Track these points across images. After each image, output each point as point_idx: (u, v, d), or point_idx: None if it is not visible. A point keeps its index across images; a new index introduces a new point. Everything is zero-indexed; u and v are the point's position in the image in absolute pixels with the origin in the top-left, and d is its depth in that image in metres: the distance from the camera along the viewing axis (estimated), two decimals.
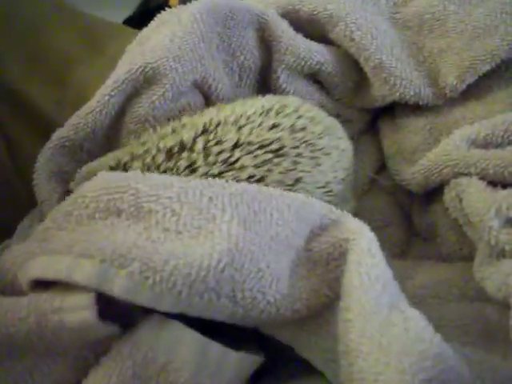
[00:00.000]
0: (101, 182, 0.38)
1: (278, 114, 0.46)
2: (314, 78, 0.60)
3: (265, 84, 0.59)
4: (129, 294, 0.31)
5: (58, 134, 0.52)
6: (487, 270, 0.41)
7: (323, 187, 0.45)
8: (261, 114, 0.45)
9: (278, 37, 0.56)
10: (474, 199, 0.45)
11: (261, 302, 0.33)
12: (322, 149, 0.46)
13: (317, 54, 0.57)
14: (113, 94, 0.51)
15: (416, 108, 0.58)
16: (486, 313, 0.40)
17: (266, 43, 0.58)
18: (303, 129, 0.45)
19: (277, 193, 0.37)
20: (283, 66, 0.57)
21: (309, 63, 0.57)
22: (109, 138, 0.53)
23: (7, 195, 0.54)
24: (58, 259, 0.32)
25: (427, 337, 0.29)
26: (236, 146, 0.42)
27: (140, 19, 0.52)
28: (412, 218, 0.57)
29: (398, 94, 0.57)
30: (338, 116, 0.59)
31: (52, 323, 0.31)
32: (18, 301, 0.33)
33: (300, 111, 0.47)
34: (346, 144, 0.50)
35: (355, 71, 0.60)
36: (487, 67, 0.54)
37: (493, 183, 0.47)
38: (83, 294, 0.31)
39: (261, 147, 0.43)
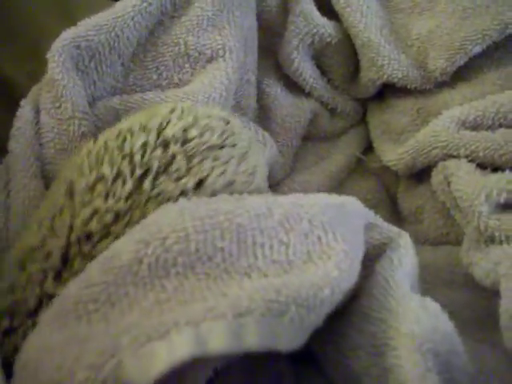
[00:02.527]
0: (181, 216, 0.31)
1: None
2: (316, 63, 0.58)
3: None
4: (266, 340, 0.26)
5: (73, 32, 0.44)
6: (475, 255, 0.40)
7: None
8: None
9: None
10: (463, 183, 0.44)
11: None
12: None
13: (330, 26, 0.56)
14: (151, 1, 0.44)
15: (405, 88, 0.56)
16: (474, 300, 0.40)
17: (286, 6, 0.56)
18: None
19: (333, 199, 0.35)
20: (298, 30, 0.55)
21: (321, 32, 0.55)
22: (124, 65, 0.46)
23: None
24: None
25: (442, 318, 0.29)
26: None
27: None
28: (398, 201, 0.56)
29: (385, 76, 0.55)
30: (335, 109, 0.60)
31: None
32: None
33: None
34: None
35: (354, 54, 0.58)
36: (478, 48, 0.52)
37: (482, 166, 0.46)
38: None
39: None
